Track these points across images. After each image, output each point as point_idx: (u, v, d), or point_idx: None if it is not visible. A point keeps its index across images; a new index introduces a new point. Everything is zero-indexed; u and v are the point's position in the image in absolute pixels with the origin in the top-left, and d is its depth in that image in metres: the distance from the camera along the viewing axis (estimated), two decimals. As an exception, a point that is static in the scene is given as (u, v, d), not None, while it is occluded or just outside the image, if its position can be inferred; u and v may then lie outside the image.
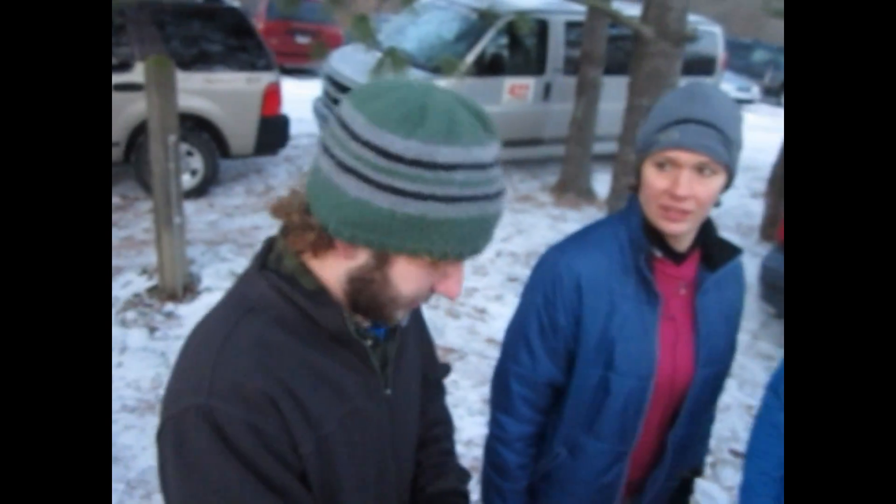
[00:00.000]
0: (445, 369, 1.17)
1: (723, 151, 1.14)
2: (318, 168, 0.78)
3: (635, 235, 1.27)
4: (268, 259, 0.87)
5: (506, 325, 1.40)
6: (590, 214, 6.26)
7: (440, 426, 1.17)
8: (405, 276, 0.80)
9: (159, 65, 3.70)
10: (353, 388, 0.87)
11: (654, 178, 1.19)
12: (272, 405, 0.77)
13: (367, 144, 0.72)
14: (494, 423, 1.40)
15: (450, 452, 1.16)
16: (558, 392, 1.37)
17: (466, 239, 0.76)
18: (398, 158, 0.71)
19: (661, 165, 1.18)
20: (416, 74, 5.83)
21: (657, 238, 1.27)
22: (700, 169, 1.15)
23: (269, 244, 0.89)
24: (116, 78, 5.12)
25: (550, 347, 1.31)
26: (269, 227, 5.24)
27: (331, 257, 0.82)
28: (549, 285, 1.30)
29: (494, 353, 4.03)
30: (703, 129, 1.13)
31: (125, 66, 5.17)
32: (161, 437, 0.79)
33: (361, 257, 0.79)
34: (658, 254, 1.27)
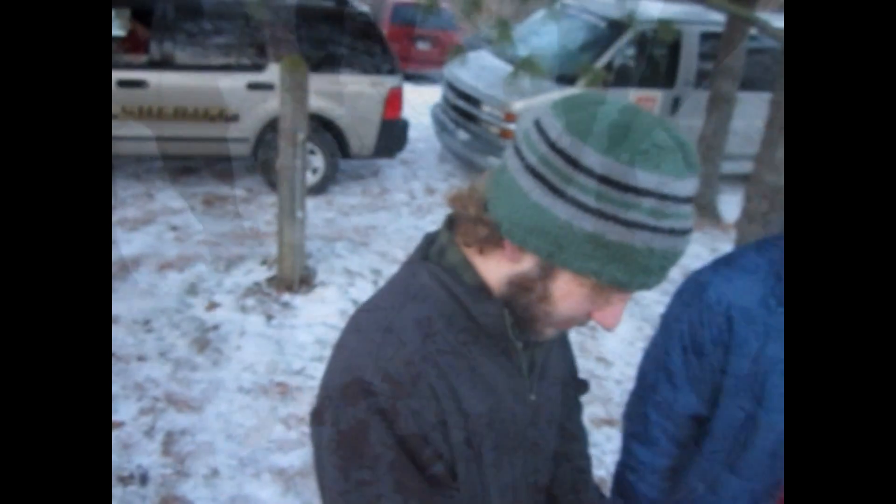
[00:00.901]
0: (584, 386, 1.12)
1: None
2: (504, 167, 0.76)
3: None
4: (429, 252, 0.86)
5: (617, 344, 1.32)
6: (713, 236, 5.94)
7: (577, 443, 1.13)
8: (566, 293, 0.77)
9: (294, 66, 3.85)
10: (503, 388, 0.85)
11: None
12: (432, 392, 0.77)
13: (559, 152, 0.70)
14: (627, 453, 1.32)
15: (585, 470, 1.13)
16: (699, 424, 1.27)
17: (639, 270, 0.71)
18: (588, 171, 0.68)
19: None
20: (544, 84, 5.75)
21: None
22: None
23: (430, 237, 0.89)
24: (251, 77, 5.40)
25: (694, 378, 1.22)
26: (384, 227, 5.39)
27: (496, 257, 0.80)
28: (695, 312, 1.21)
29: (604, 372, 3.88)
30: None
31: (259, 66, 5.44)
32: (318, 413, 0.80)
33: (527, 264, 0.77)
34: None
